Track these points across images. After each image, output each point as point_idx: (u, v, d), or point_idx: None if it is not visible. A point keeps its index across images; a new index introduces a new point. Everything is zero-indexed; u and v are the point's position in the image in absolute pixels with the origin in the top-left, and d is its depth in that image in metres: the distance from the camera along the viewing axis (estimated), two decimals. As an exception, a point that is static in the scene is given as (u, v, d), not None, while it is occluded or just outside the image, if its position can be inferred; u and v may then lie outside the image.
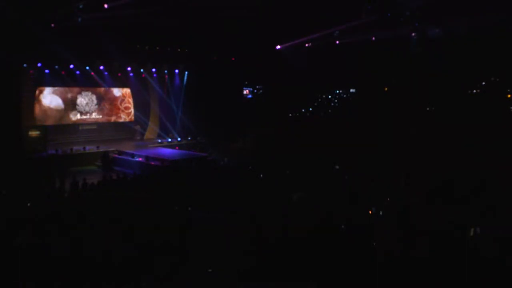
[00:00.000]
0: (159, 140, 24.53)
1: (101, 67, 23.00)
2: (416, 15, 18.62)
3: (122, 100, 25.72)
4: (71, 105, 23.46)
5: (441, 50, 21.07)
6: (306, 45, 24.35)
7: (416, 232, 7.41)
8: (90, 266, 6.27)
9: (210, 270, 6.26)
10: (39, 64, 20.80)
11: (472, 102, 24.09)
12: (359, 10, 18.40)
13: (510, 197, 9.26)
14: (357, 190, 10.65)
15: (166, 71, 25.81)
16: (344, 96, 31.60)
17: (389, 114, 23.51)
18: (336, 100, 31.84)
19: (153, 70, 25.13)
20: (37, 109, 21.85)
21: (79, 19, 17.10)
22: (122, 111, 25.74)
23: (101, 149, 21.11)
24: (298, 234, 7.39)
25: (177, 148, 22.94)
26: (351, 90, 30.78)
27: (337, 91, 31.64)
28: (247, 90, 30.16)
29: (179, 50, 23.71)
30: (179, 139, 24.93)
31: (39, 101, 22.04)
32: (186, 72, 26.36)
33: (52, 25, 17.48)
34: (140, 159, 19.30)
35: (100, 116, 24.80)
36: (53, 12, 16.68)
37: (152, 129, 26.11)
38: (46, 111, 22.32)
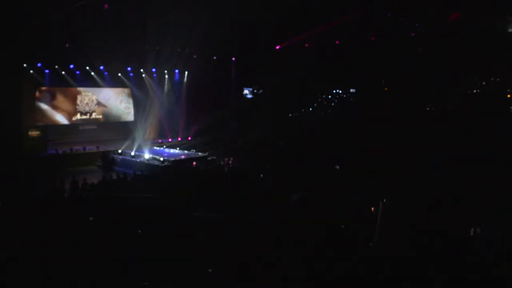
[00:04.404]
0: (160, 140, 24.51)
1: (101, 67, 23.01)
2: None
3: (122, 100, 25.72)
4: (71, 105, 23.46)
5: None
6: (306, 45, 24.38)
7: (416, 232, 7.41)
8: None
9: (210, 270, 6.25)
10: (39, 64, 20.82)
11: (472, 101, 24.06)
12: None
13: (510, 197, 9.25)
14: (357, 190, 10.64)
15: (166, 71, 25.83)
16: (344, 96, 31.54)
17: (389, 113, 23.49)
18: (336, 100, 31.79)
19: (153, 70, 25.15)
20: (37, 109, 21.85)
21: (80, 19, 17.12)
22: (122, 111, 25.74)
23: (101, 149, 21.13)
24: (297, 233, 7.39)
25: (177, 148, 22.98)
26: (351, 90, 30.72)
27: (337, 91, 31.61)
28: (247, 90, 30.15)
29: (179, 50, 23.73)
30: (179, 139, 24.91)
31: (39, 101, 22.04)
32: (186, 72, 26.39)
33: (52, 24, 17.50)
34: (140, 159, 19.31)
35: (100, 116, 24.80)
36: (53, 11, 16.69)
37: (152, 129, 26.13)
38: (46, 111, 22.32)
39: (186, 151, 21.73)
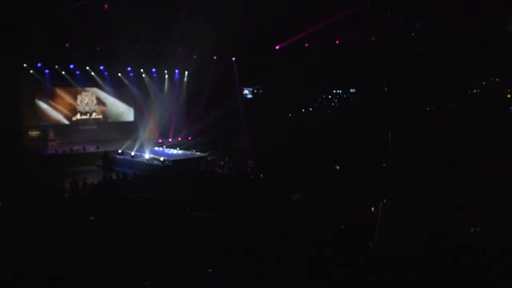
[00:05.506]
0: (160, 140, 24.51)
1: (101, 67, 23.01)
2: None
3: (122, 100, 25.70)
4: (71, 105, 23.46)
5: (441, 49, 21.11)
6: (306, 44, 24.36)
7: (416, 232, 7.40)
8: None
9: (210, 270, 6.26)
10: (39, 64, 20.81)
11: (472, 101, 24.06)
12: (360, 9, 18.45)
13: (510, 197, 9.25)
14: (357, 190, 10.64)
15: (166, 71, 25.82)
16: (344, 96, 31.54)
17: (389, 113, 23.49)
18: (336, 100, 31.79)
19: (153, 70, 25.15)
20: (37, 109, 21.84)
21: (80, 19, 17.13)
22: (122, 111, 25.73)
23: (101, 149, 21.12)
24: (297, 233, 7.39)
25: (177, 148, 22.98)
26: (351, 90, 30.73)
27: (337, 91, 31.60)
28: (247, 90, 30.16)
29: (179, 50, 23.72)
30: (179, 139, 24.91)
31: (39, 101, 22.04)
32: (186, 72, 26.38)
33: (52, 24, 17.51)
34: (141, 159, 19.31)
35: (100, 116, 24.80)
36: (53, 11, 16.70)
37: (152, 129, 26.13)
38: (46, 111, 22.31)
39: (186, 151, 21.73)
